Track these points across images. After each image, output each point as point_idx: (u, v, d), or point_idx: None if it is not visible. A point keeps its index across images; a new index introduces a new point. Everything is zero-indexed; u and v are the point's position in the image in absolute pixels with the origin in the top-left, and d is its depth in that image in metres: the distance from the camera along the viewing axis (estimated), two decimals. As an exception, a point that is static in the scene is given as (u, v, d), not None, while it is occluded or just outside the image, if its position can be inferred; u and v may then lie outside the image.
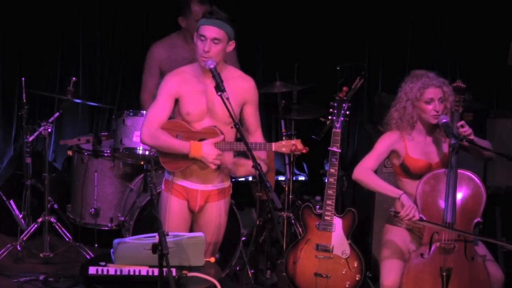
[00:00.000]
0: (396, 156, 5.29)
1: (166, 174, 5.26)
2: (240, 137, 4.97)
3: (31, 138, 6.38)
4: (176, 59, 6.56)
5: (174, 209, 5.19)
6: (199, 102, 5.11)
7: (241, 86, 5.17)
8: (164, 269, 4.41)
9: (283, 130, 6.65)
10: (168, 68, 6.35)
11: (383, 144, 5.29)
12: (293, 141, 5.13)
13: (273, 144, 5.12)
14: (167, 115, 5.11)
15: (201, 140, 5.08)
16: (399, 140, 5.26)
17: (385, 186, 5.22)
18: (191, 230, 5.28)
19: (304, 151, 5.17)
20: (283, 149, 5.13)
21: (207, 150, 5.03)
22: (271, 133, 7.92)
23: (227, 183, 5.30)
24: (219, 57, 5.06)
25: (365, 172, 5.23)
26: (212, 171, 5.17)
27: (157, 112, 5.10)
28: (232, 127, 5.00)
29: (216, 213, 5.26)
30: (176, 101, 5.13)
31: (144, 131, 5.10)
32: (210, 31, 5.03)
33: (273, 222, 5.76)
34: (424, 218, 5.06)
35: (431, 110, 5.18)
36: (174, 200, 5.20)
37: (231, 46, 5.13)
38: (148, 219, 6.10)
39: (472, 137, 5.18)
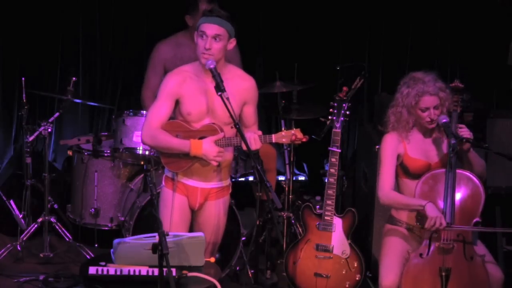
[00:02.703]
0: (397, 157, 5.29)
1: (166, 171, 5.26)
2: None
3: (31, 138, 6.38)
4: (182, 57, 6.55)
5: (175, 205, 5.19)
6: (199, 102, 5.11)
7: (242, 86, 5.17)
8: (164, 269, 4.42)
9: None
10: (173, 66, 6.34)
11: (388, 153, 5.25)
12: (292, 131, 5.11)
13: (273, 135, 5.10)
14: (167, 115, 5.11)
15: (201, 138, 5.08)
16: (399, 142, 5.26)
17: (410, 202, 5.17)
18: (190, 228, 5.29)
19: (304, 139, 5.14)
20: (283, 140, 5.11)
21: (207, 148, 5.03)
22: (271, 134, 7.91)
23: (227, 182, 5.31)
24: (220, 55, 5.06)
25: (389, 196, 5.20)
26: (213, 169, 5.17)
27: (157, 113, 5.10)
28: (232, 127, 5.00)
29: (215, 212, 5.26)
30: (177, 101, 5.13)
31: (144, 132, 5.11)
32: (211, 28, 5.03)
33: (273, 222, 5.76)
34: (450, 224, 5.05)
35: (426, 117, 5.18)
36: (175, 196, 5.20)
37: (232, 43, 5.13)
38: (148, 219, 6.10)
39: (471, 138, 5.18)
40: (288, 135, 5.09)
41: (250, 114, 5.22)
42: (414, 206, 5.15)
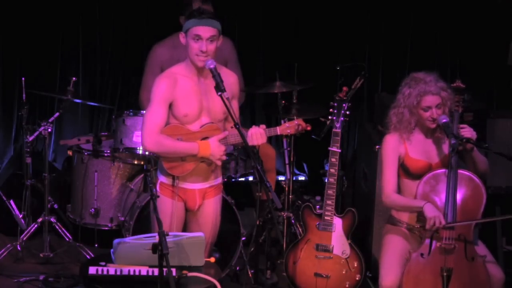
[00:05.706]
0: (398, 158, 5.28)
1: (161, 177, 5.20)
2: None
3: (31, 138, 6.38)
4: (179, 59, 6.50)
5: (171, 212, 5.17)
6: (193, 102, 5.08)
7: (228, 81, 5.13)
8: (164, 269, 4.42)
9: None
10: None
11: (389, 154, 5.24)
12: (296, 121, 5.14)
13: (278, 128, 5.11)
14: (165, 120, 5.06)
15: (204, 139, 5.07)
16: (400, 143, 5.25)
17: (410, 203, 5.19)
18: (186, 229, 5.27)
19: (308, 128, 5.20)
20: (288, 131, 5.13)
21: (215, 148, 5.03)
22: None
23: (220, 179, 5.31)
24: (214, 54, 5.06)
25: (391, 199, 5.21)
26: (212, 168, 5.16)
27: (155, 118, 5.03)
28: (232, 127, 4.99)
29: (214, 210, 5.25)
30: (170, 104, 5.10)
31: (147, 139, 5.02)
32: (206, 31, 5.02)
33: (273, 222, 5.76)
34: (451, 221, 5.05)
35: (428, 117, 5.18)
36: (171, 203, 5.17)
37: (220, 40, 5.14)
38: (148, 219, 6.10)
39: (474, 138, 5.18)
40: (292, 126, 5.12)
41: (235, 109, 5.21)
42: (414, 208, 5.16)
